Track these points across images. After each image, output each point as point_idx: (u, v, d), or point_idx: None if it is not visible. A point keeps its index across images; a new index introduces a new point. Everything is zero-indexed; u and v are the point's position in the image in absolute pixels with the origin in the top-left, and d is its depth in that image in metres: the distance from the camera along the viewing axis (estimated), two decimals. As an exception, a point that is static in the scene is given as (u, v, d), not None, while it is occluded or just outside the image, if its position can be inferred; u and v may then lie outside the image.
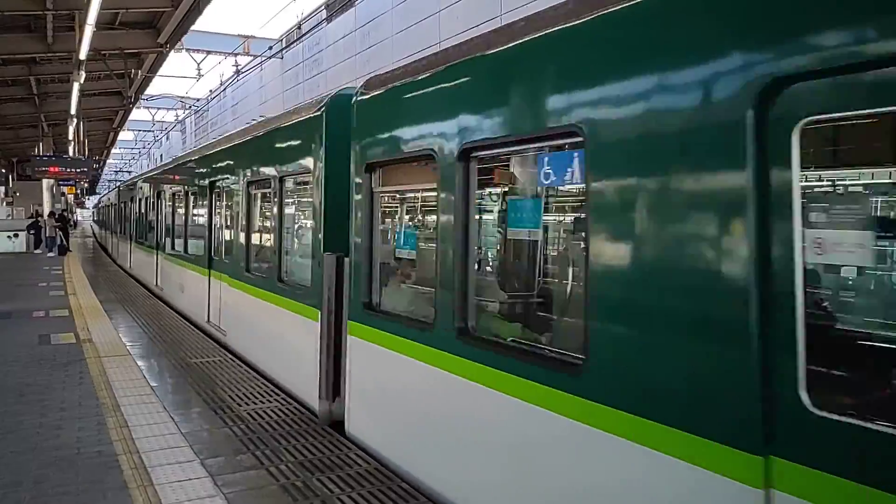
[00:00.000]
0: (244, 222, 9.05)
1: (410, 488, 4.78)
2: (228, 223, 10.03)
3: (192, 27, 18.47)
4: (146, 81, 24.35)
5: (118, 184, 34.83)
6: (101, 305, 13.66)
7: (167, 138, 48.09)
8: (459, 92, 4.50)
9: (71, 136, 26.41)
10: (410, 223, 7.11)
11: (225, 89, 34.28)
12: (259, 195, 9.11)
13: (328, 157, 6.39)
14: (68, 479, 4.91)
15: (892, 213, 3.95)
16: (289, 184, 7.87)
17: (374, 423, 5.65)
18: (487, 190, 5.38)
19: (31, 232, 30.21)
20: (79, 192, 46.15)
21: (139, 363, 8.56)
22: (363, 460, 5.27)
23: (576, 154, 3.59)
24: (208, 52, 27.28)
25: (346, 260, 6.03)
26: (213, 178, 10.97)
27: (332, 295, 6.20)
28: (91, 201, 67.63)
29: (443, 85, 4.73)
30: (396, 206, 7.14)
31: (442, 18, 18.70)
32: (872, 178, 3.74)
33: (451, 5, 18.40)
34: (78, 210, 70.82)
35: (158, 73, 23.62)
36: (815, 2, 2.43)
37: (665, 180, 2.94)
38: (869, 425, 2.19)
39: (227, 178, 10.14)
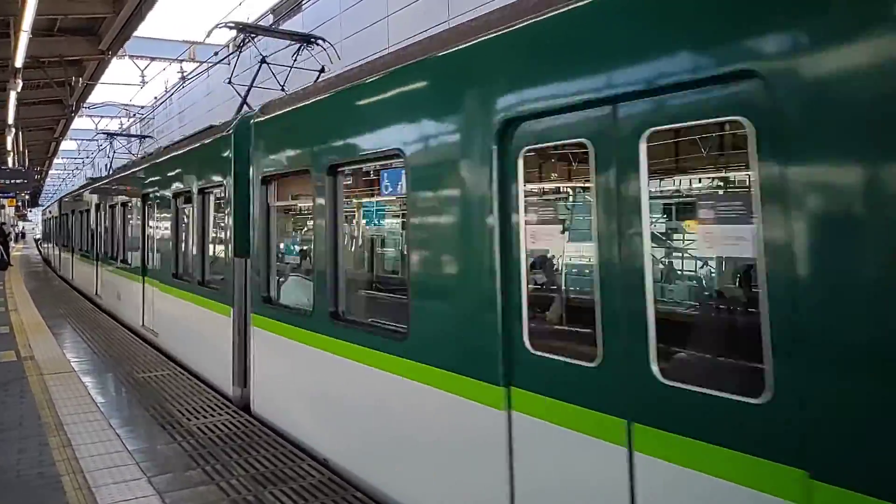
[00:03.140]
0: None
1: (364, 497, 4.74)
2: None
3: (135, 33, 18.04)
4: (88, 89, 23.67)
5: (59, 196, 33.95)
6: (44, 321, 13.21)
7: (111, 147, 46.94)
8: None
9: (9, 147, 25.54)
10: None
11: (171, 96, 33.59)
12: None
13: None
14: (7, 503, 4.72)
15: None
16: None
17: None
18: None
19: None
20: (20, 203, 44.65)
21: (84, 380, 8.30)
22: (317, 472, 5.20)
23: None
24: (152, 59, 26.67)
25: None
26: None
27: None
28: (36, 213, 65.60)
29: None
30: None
31: (391, 23, 18.66)
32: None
33: (400, 10, 18.37)
34: (21, 223, 68.61)
35: (101, 81, 23.00)
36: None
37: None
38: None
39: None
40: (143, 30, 18.71)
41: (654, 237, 3.10)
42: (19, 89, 16.79)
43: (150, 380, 8.25)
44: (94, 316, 14.10)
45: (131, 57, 25.24)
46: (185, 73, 28.20)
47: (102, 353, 9.95)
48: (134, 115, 36.37)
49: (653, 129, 2.93)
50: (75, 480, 5.06)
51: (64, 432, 6.18)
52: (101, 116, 36.09)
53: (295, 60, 10.52)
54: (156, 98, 35.49)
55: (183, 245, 9.79)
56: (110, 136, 25.21)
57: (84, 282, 18.93)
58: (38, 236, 60.69)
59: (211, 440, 5.96)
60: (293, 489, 4.88)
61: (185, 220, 9.71)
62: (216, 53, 24.87)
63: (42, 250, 41.50)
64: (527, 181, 3.61)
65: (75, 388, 7.88)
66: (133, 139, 22.44)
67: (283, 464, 5.37)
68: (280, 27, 24.21)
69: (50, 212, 35.12)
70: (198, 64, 27.84)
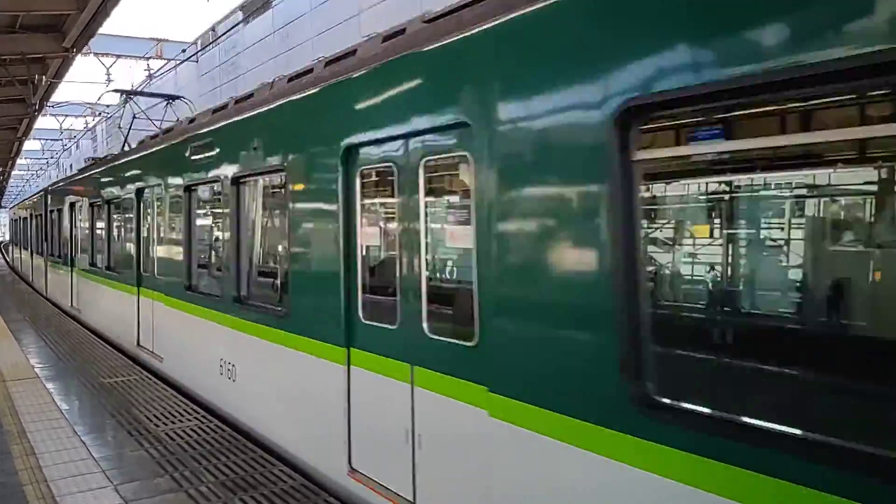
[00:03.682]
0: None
1: (337, 502, 4.68)
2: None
3: (100, 30, 17.66)
4: (52, 88, 23.11)
5: (26, 197, 33.06)
6: (7, 327, 12.89)
7: (77, 147, 45.98)
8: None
9: (-30, 147, 24.85)
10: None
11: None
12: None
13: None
14: (-34, 516, 4.58)
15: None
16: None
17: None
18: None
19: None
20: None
21: (48, 386, 8.10)
22: (289, 477, 5.12)
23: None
24: (118, 57, 26.14)
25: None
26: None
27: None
28: (2, 215, 64.13)
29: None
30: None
31: (362, 20, 18.52)
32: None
33: (372, 6, 18.25)
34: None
35: (65, 79, 22.49)
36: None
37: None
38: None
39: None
40: (109, 27, 18.31)
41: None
42: (-21, 88, 16.33)
43: (117, 385, 8.07)
44: (59, 320, 13.81)
45: (97, 54, 24.72)
46: (151, 71, 27.72)
47: (67, 359, 9.72)
48: (100, 113, 35.64)
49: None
50: (39, 490, 4.92)
51: (27, 440, 6.02)
52: (66, 115, 35.36)
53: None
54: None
55: (216, 250, 8.07)
56: (127, 94, 18.18)
57: (57, 292, 17.27)
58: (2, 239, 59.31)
59: (180, 446, 5.84)
60: (264, 495, 4.79)
61: (210, 217, 8.32)
62: (184, 51, 24.48)
63: (9, 257, 39.37)
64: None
65: (39, 394, 7.68)
66: (159, 99, 16.41)
67: (254, 469, 5.28)
68: (250, 23, 23.95)
69: (15, 213, 34.15)
70: (165, 62, 27.39)
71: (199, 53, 27.15)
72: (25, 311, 15.34)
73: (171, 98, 15.01)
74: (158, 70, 27.78)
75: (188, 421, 6.57)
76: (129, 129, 14.23)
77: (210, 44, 27.09)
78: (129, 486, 4.98)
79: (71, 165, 44.50)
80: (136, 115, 14.49)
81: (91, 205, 13.49)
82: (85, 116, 36.92)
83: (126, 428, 6.36)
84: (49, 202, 19.24)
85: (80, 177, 14.56)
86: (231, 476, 5.15)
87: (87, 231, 14.08)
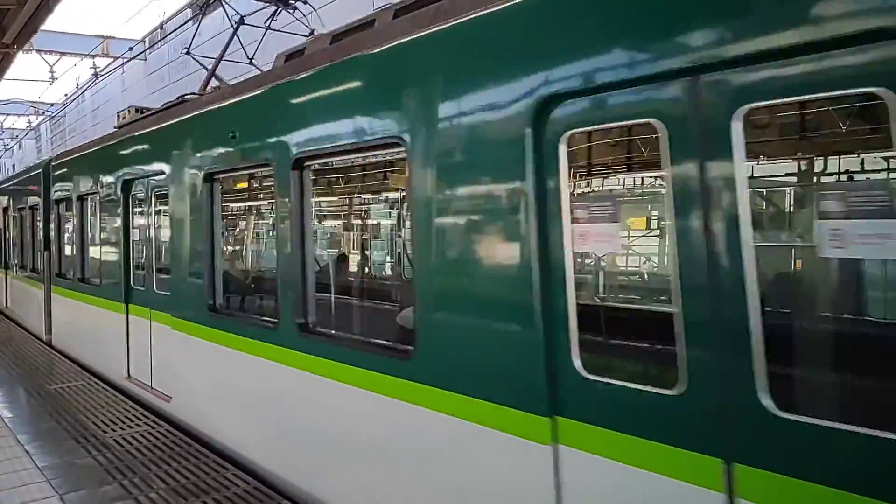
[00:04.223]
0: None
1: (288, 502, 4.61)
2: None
3: (43, 27, 17.11)
4: (-8, 85, 22.37)
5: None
6: (-56, 332, 12.39)
7: (20, 146, 44.47)
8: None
9: None
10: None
11: (83, 93, 32.09)
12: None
13: None
14: None
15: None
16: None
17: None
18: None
19: None
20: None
21: (-11, 394, 7.81)
22: (242, 480, 5.04)
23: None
24: (62, 54, 25.38)
25: None
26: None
27: None
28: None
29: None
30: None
31: (315, 18, 18.33)
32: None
33: (323, 7, 18.09)
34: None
35: (6, 77, 21.75)
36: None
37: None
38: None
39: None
40: (52, 23, 17.77)
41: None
42: (-87, 85, 15.66)
43: (63, 391, 7.83)
44: (1, 324, 13.33)
45: (39, 52, 23.98)
46: (98, 69, 26.98)
47: (10, 366, 9.39)
48: (43, 112, 34.54)
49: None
50: (-22, 502, 4.74)
51: (-34, 451, 5.79)
52: (7, 114, 34.21)
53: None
54: (66, 95, 33.85)
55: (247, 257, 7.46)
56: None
57: (22, 309, 13.92)
58: None
59: (129, 452, 5.69)
60: (216, 500, 4.71)
61: (248, 218, 7.43)
62: (131, 49, 23.88)
63: None
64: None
65: (-21, 402, 7.40)
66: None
67: (207, 474, 5.18)
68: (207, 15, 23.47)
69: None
70: (112, 59, 26.71)
71: (148, 51, 26.54)
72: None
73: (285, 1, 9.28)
74: (105, 68, 27.09)
75: (137, 426, 6.41)
76: (231, 39, 8.79)
77: (159, 41, 26.50)
78: (75, 496, 4.83)
79: (14, 166, 43.01)
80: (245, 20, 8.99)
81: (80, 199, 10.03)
82: (28, 115, 35.75)
83: (73, 435, 6.18)
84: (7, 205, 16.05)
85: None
86: (182, 482, 5.04)
87: (66, 233, 11.26)
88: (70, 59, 26.00)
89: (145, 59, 27.17)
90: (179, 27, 24.05)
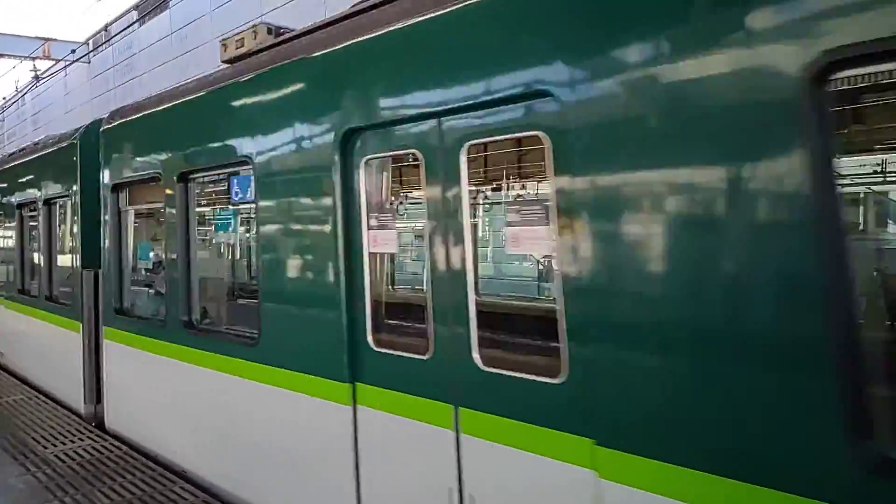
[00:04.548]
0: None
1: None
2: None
3: (-22, 27, 16.48)
4: (-76, 88, 21.42)
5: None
6: None
7: (-44, 152, 42.76)
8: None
9: None
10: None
11: (23, 96, 31.01)
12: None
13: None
14: None
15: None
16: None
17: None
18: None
19: None
20: None
21: (-80, 410, 7.41)
22: (190, 494, 4.87)
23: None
24: (0, 56, 24.48)
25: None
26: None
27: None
28: None
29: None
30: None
31: (266, 21, 18.10)
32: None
33: (275, 9, 17.84)
34: None
35: (-61, 79, 20.86)
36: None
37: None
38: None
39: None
40: (-12, 23, 17.14)
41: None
42: None
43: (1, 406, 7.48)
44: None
45: (-25, 53, 23.07)
46: (38, 72, 26.12)
47: (-56, 380, 8.95)
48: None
49: None
50: None
51: None
52: (-58, 118, 32.86)
53: None
54: (4, 98, 32.68)
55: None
56: None
57: None
58: None
59: (71, 468, 5.45)
60: (164, 515, 4.53)
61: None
62: (74, 51, 23.18)
63: None
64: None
65: None
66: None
67: (153, 488, 4.99)
68: (146, 24, 22.93)
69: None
70: (53, 62, 25.88)
71: (91, 54, 25.80)
72: None
73: None
74: (46, 71, 26.25)
75: (80, 441, 6.16)
76: None
77: (103, 44, 25.79)
78: (12, 515, 4.60)
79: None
80: None
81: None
82: (-37, 119, 34.37)
83: (10, 452, 5.89)
84: None
85: None
86: (128, 497, 4.84)
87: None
88: (9, 62, 25.11)
89: (89, 62, 26.39)
90: (124, 30, 23.45)
